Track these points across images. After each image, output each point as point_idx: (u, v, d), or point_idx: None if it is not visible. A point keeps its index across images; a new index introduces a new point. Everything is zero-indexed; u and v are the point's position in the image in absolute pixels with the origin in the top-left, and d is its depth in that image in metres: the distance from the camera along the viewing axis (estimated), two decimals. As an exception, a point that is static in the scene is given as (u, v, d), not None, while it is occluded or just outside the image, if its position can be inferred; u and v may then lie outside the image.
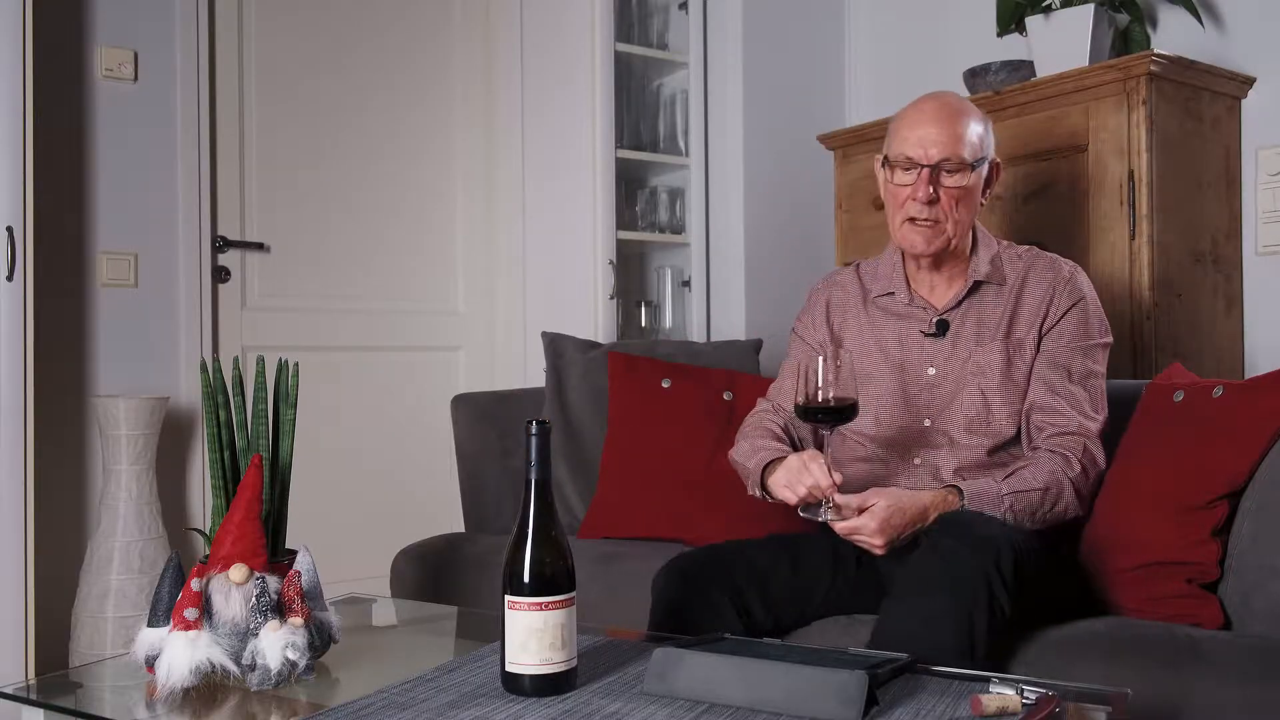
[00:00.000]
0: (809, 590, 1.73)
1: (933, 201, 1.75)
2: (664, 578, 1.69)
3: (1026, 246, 1.90)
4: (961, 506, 1.65)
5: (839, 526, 1.62)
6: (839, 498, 1.61)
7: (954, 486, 1.69)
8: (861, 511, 1.61)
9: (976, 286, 1.83)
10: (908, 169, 1.77)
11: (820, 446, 1.74)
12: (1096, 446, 1.75)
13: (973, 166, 1.76)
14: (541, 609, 1.20)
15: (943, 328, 1.83)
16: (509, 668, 1.22)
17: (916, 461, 1.80)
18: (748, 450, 1.85)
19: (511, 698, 1.20)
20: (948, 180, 1.75)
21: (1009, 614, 1.46)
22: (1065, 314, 1.79)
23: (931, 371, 1.83)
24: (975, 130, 1.78)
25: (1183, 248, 2.57)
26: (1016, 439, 1.79)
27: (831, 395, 1.63)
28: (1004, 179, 2.77)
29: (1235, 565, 1.60)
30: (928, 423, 1.81)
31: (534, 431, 1.25)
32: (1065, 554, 1.74)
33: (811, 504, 1.65)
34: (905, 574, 1.53)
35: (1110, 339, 1.84)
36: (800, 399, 1.65)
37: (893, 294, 1.89)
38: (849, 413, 1.64)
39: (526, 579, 1.21)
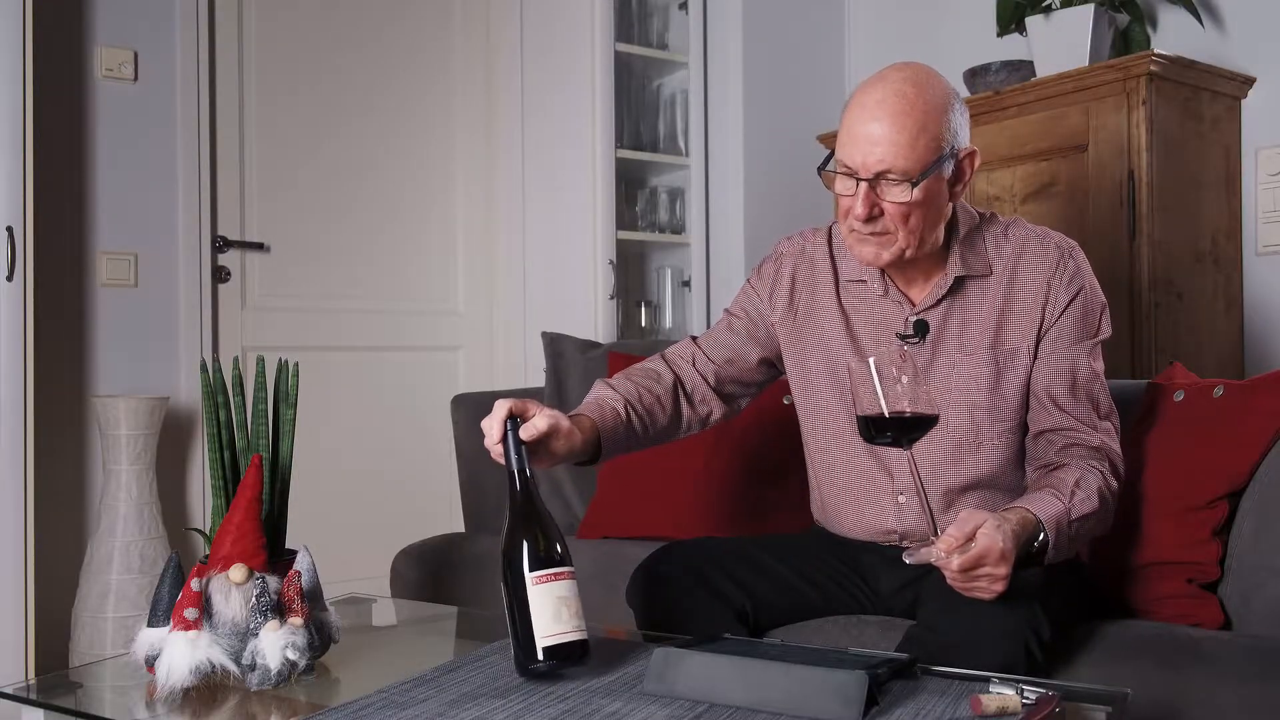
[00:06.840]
0: (781, 576, 1.67)
1: (873, 217, 1.49)
2: (638, 588, 1.64)
3: (1013, 219, 1.66)
4: (1040, 534, 1.40)
5: (953, 565, 1.28)
6: (942, 542, 1.28)
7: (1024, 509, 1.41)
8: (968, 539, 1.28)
9: (960, 282, 1.60)
10: (845, 174, 1.50)
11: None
12: (1119, 458, 1.57)
13: (923, 175, 1.46)
14: (563, 578, 1.25)
15: (921, 329, 1.60)
16: (548, 642, 1.23)
17: (901, 499, 1.62)
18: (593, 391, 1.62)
19: (511, 697, 1.20)
20: (888, 193, 1.47)
21: (1043, 661, 1.40)
22: (1065, 310, 1.57)
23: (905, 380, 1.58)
24: (930, 130, 1.46)
25: (1183, 248, 2.57)
26: (999, 471, 1.61)
27: (906, 403, 1.30)
28: (1004, 179, 2.78)
29: (1235, 565, 1.60)
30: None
31: (509, 429, 1.36)
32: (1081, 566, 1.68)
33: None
34: (946, 631, 1.39)
35: (1110, 331, 1.63)
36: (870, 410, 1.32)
37: (864, 281, 1.66)
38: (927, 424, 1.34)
39: (543, 553, 1.25)
